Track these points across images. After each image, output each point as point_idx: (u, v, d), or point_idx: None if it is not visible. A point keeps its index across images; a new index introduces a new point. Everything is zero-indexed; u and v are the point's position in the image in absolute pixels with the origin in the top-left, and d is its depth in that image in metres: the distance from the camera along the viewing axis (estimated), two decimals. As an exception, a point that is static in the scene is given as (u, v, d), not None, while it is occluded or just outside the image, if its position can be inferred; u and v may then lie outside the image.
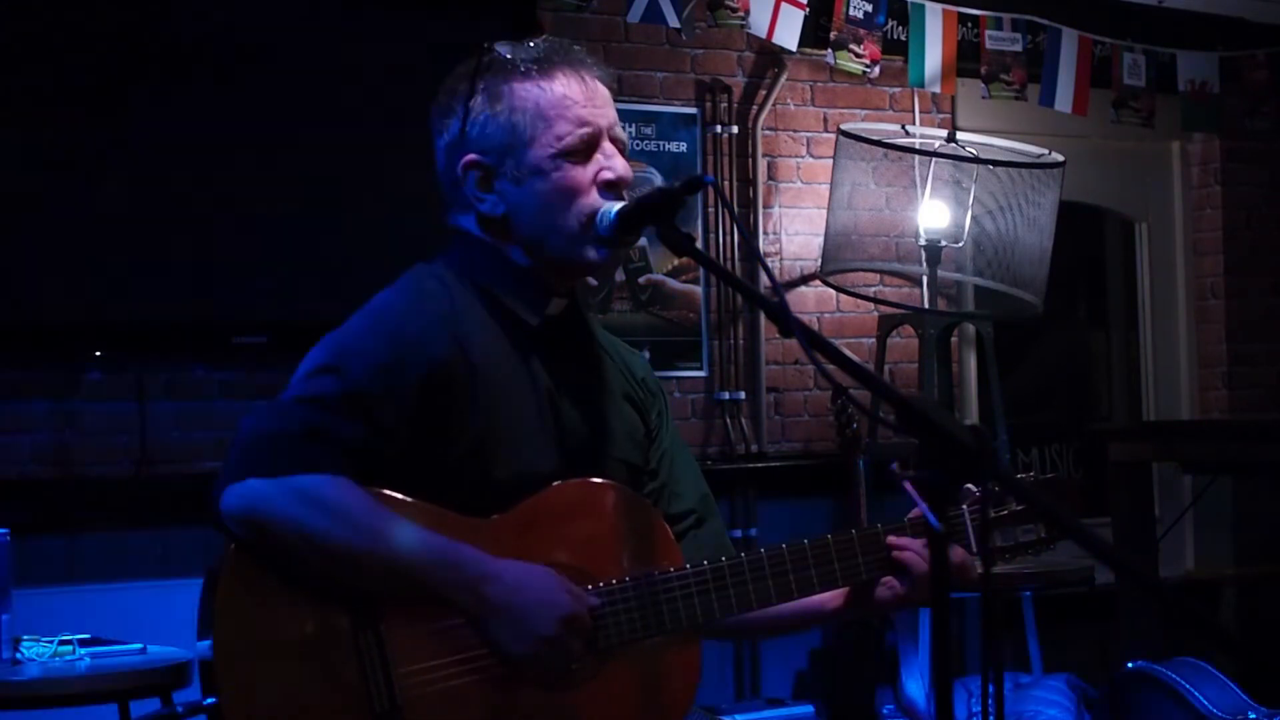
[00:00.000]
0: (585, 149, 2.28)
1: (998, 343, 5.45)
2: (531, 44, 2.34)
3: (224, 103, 4.53)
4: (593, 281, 5.12)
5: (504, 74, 2.30)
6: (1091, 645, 5.56)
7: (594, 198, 2.27)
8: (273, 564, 2.13)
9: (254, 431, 2.17)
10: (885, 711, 4.99)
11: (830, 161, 5.36)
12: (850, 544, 2.32)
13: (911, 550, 2.31)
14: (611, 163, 2.29)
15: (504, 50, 2.33)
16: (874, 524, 2.36)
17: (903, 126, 5.52)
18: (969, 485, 2.35)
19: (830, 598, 2.39)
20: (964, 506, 2.36)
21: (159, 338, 4.48)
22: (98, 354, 4.43)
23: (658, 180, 5.14)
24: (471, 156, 2.30)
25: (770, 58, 5.47)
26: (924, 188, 5.20)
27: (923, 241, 5.21)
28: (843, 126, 5.34)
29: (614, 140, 2.31)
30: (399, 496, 2.18)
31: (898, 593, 2.35)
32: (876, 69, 5.42)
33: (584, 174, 2.28)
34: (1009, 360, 5.95)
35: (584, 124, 2.28)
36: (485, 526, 2.21)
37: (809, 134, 5.58)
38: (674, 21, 4.99)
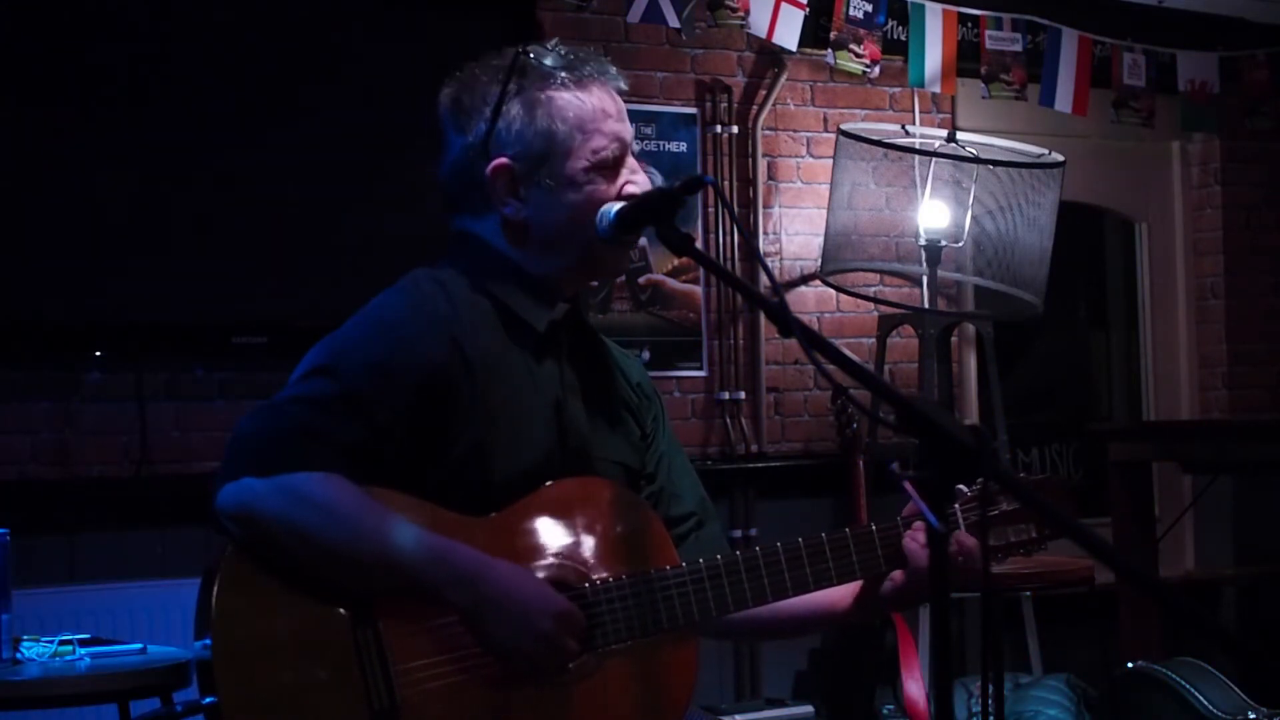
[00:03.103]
0: (615, 164, 2.31)
1: (998, 343, 5.45)
2: (561, 51, 2.35)
3: (224, 102, 4.53)
4: (593, 282, 5.12)
5: (539, 81, 2.31)
6: (1091, 645, 5.56)
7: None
8: (269, 563, 2.13)
9: (249, 431, 2.18)
10: (885, 711, 4.99)
11: (830, 161, 5.36)
12: (844, 542, 2.32)
13: (914, 543, 2.31)
14: (635, 177, 2.33)
15: (537, 55, 2.33)
16: (869, 523, 2.36)
17: (903, 126, 5.52)
18: (960, 486, 2.35)
19: (826, 597, 2.39)
20: (956, 505, 2.36)
21: (159, 338, 4.48)
22: (98, 354, 4.43)
23: (658, 180, 5.14)
24: (503, 161, 2.30)
25: (770, 58, 5.47)
26: (924, 188, 5.20)
27: (923, 241, 5.21)
28: (843, 126, 5.34)
29: (633, 154, 2.35)
30: (394, 495, 2.18)
31: (896, 586, 2.35)
32: (876, 69, 5.42)
33: (612, 188, 2.31)
34: (1009, 360, 5.95)
35: (617, 138, 2.31)
36: (481, 525, 2.21)
37: (809, 134, 5.58)
38: (674, 21, 4.99)
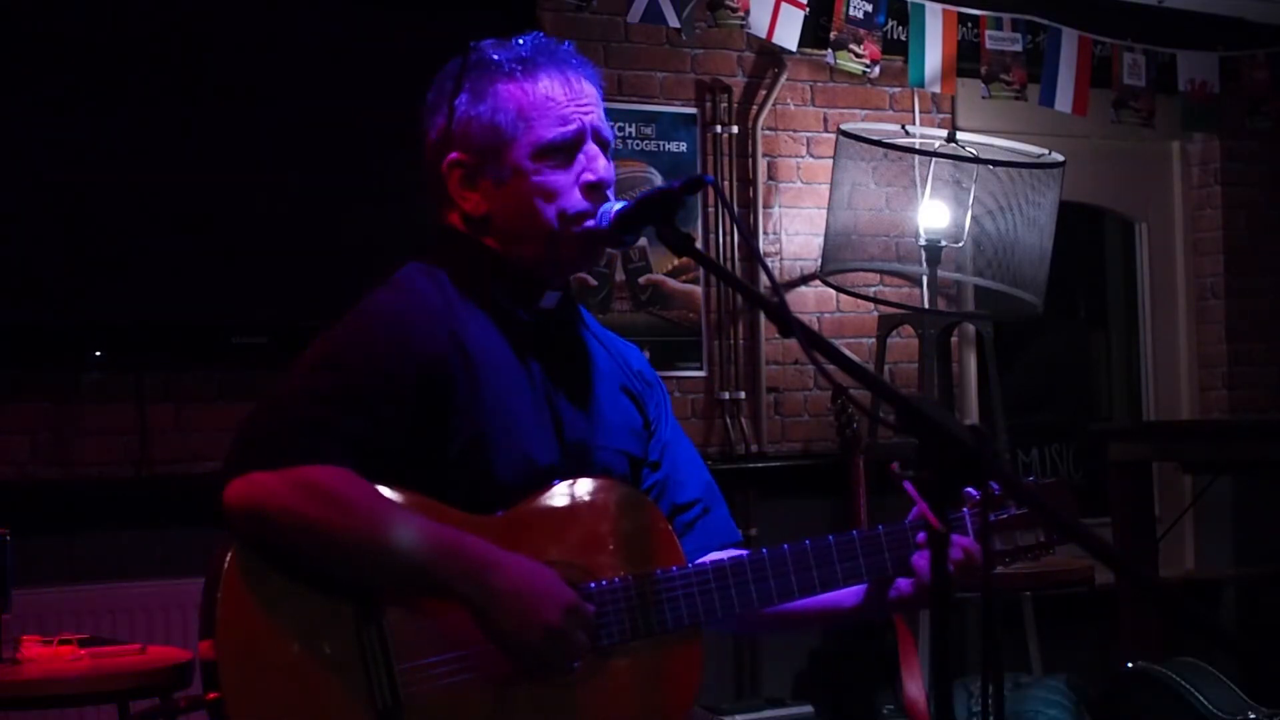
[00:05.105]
0: (567, 150, 2.29)
1: (998, 343, 5.45)
2: (519, 42, 2.35)
3: (224, 101, 4.53)
4: (592, 281, 5.12)
5: (489, 74, 2.32)
6: (1091, 645, 5.56)
7: (576, 199, 2.29)
8: (274, 560, 2.12)
9: (255, 426, 2.17)
10: (885, 711, 4.99)
11: (830, 161, 5.36)
12: (852, 545, 2.33)
13: (923, 560, 2.31)
14: (593, 165, 2.30)
15: (490, 49, 2.35)
16: (875, 526, 2.36)
17: (903, 126, 5.52)
18: (969, 489, 2.35)
19: (830, 596, 2.39)
20: (965, 510, 2.36)
21: (159, 338, 4.48)
22: (98, 354, 4.42)
23: (658, 180, 5.14)
24: (455, 155, 2.32)
25: (770, 58, 5.47)
26: (924, 188, 5.20)
27: (923, 241, 5.22)
28: (843, 126, 5.34)
29: (598, 141, 2.32)
30: (402, 492, 2.18)
31: (902, 594, 2.35)
32: (876, 69, 5.42)
33: (566, 176, 2.29)
34: (1009, 360, 5.95)
35: (566, 123, 2.29)
36: (486, 524, 2.21)
37: (809, 134, 5.58)
38: (674, 21, 4.99)
